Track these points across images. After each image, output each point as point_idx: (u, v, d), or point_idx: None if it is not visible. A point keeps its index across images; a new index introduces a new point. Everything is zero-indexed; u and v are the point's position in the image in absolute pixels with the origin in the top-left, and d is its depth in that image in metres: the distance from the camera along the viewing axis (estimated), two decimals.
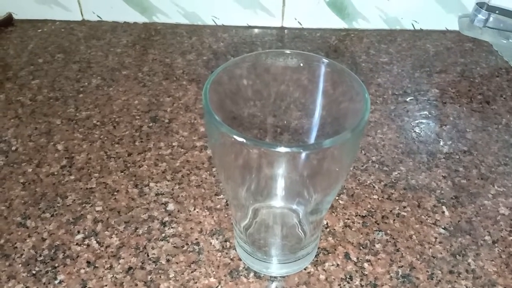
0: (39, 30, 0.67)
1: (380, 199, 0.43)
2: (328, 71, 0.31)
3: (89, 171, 0.45)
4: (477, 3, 0.64)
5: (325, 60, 0.31)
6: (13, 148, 0.47)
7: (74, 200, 0.42)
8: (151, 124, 0.51)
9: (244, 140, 0.25)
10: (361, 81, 0.28)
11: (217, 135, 0.28)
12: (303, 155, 0.26)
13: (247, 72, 0.31)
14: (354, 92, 0.28)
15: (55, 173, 0.45)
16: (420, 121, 0.52)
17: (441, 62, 0.63)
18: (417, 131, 0.51)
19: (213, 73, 0.29)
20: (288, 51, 0.31)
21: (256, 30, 0.68)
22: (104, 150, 0.47)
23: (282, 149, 0.25)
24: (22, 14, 0.68)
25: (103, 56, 0.62)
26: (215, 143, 0.29)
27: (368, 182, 0.44)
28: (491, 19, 0.62)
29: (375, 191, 0.44)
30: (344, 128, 0.30)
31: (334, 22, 0.68)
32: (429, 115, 0.53)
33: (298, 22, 0.69)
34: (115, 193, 0.43)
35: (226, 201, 0.42)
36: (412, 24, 0.69)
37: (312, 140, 0.33)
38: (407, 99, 0.56)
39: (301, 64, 0.31)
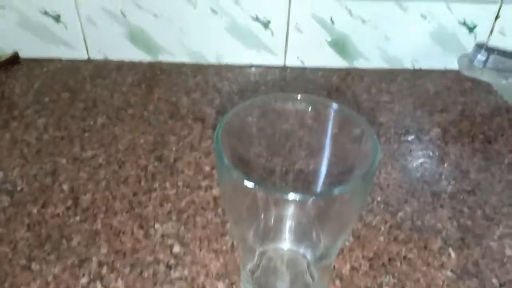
0: (45, 69, 0.68)
1: (386, 240, 0.43)
2: (337, 115, 0.31)
3: (94, 211, 0.45)
4: (476, 44, 0.66)
5: (335, 105, 0.31)
6: (19, 188, 0.47)
7: (79, 242, 0.42)
8: (156, 164, 0.51)
9: (255, 186, 0.26)
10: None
11: (227, 179, 0.28)
12: (313, 202, 0.26)
13: (256, 116, 0.32)
14: (364, 138, 0.29)
15: (60, 214, 0.44)
16: (424, 160, 0.53)
17: (441, 101, 0.64)
18: (420, 170, 0.51)
19: (224, 118, 0.30)
20: (297, 96, 0.32)
21: (259, 69, 0.69)
22: (109, 190, 0.47)
23: (292, 196, 0.25)
24: (29, 53, 0.69)
25: (108, 95, 0.62)
26: (226, 187, 0.30)
27: (374, 223, 0.44)
28: (490, 59, 0.63)
29: (381, 232, 0.44)
30: (352, 171, 0.31)
31: (336, 61, 0.70)
32: (432, 155, 0.54)
33: (301, 61, 0.70)
34: (121, 234, 0.43)
35: (232, 243, 0.42)
36: (412, 64, 0.71)
37: (320, 182, 0.34)
38: (410, 138, 0.56)
39: (310, 108, 0.32)
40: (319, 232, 0.32)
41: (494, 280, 0.40)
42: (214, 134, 0.29)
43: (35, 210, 0.45)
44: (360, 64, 0.70)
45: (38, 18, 0.66)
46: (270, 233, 0.34)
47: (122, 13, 0.65)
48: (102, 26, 0.67)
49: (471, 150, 0.54)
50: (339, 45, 0.68)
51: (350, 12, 0.65)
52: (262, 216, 0.32)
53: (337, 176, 0.33)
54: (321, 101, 0.32)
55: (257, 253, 0.34)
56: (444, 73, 0.71)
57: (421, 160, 0.53)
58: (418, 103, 0.63)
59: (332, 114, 0.31)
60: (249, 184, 0.25)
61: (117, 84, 0.65)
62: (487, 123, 0.59)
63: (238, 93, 0.63)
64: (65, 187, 0.48)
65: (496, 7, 0.65)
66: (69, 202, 0.46)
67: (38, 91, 0.63)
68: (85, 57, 0.70)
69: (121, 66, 0.69)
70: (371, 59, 0.70)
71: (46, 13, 0.66)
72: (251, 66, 0.70)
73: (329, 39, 0.68)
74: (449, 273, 0.40)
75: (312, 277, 0.35)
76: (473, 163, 0.53)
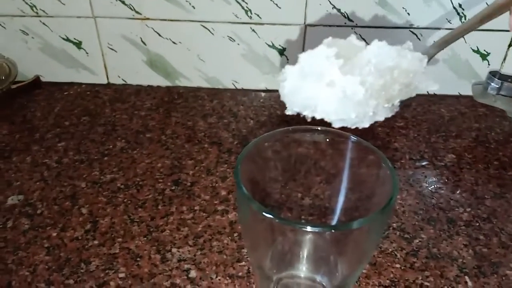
0: (66, 93, 0.70)
1: (402, 268, 0.43)
2: (355, 148, 0.32)
3: (112, 235, 0.46)
4: (490, 72, 0.66)
5: (353, 138, 0.32)
6: (38, 211, 0.48)
7: (98, 266, 0.42)
8: (173, 188, 0.52)
9: (274, 218, 0.26)
10: (378, 146, 0.30)
11: (247, 210, 0.29)
12: (332, 234, 0.27)
13: (275, 147, 0.33)
14: (382, 172, 0.29)
15: (79, 238, 0.45)
16: (439, 186, 0.53)
17: (456, 127, 0.64)
18: (436, 197, 0.51)
19: (244, 150, 0.31)
20: (316, 128, 0.33)
21: (274, 94, 0.70)
22: (127, 214, 0.48)
23: (310, 229, 0.26)
24: (50, 77, 0.71)
25: (127, 119, 0.64)
26: (244, 216, 0.30)
27: (390, 250, 0.45)
28: (504, 87, 0.64)
29: (397, 259, 0.44)
30: (370, 201, 0.31)
31: None
32: (447, 181, 0.54)
33: None
34: (138, 258, 0.43)
35: (248, 269, 0.42)
36: (427, 91, 0.71)
37: (337, 213, 0.34)
38: (424, 164, 0.56)
39: (328, 140, 0.33)
40: (336, 261, 0.32)
41: None
42: (235, 167, 0.29)
43: (54, 234, 0.46)
44: None
45: (60, 44, 0.68)
46: (286, 261, 0.34)
47: (142, 40, 0.67)
48: (122, 52, 0.69)
49: (486, 177, 0.54)
50: None
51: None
52: (280, 243, 0.32)
53: (355, 209, 0.33)
54: (339, 133, 0.32)
55: (274, 279, 0.35)
56: (458, 98, 0.71)
57: (436, 186, 0.53)
58: (433, 129, 0.63)
59: (350, 146, 0.32)
60: (268, 215, 0.26)
61: (136, 108, 0.66)
62: (501, 149, 0.59)
63: (253, 117, 0.64)
64: (84, 210, 0.49)
65: (509, 35, 0.66)
66: (88, 226, 0.47)
67: (59, 115, 0.64)
68: (105, 81, 0.72)
69: (139, 91, 0.70)
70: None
71: (68, 39, 0.68)
72: (266, 90, 0.71)
73: None
74: None
75: None
76: (488, 189, 0.52)
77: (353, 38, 0.32)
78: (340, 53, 0.29)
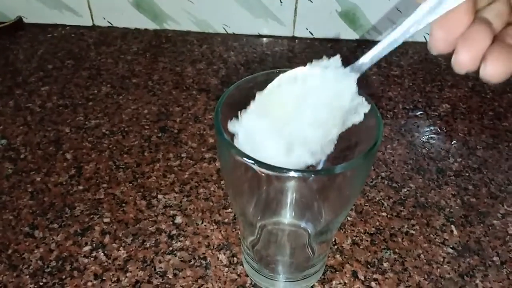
0: (49, 35, 0.67)
1: (389, 216, 0.43)
2: None
3: (97, 181, 0.45)
4: None
5: None
6: (22, 156, 0.47)
7: (82, 211, 0.42)
8: (160, 134, 0.50)
9: (255, 164, 0.25)
10: (372, 95, 0.28)
11: (227, 155, 0.28)
12: (315, 179, 0.26)
13: (258, 90, 0.31)
14: (368, 115, 0.28)
15: (64, 183, 0.45)
16: (431, 136, 0.52)
17: (452, 76, 0.62)
18: (427, 147, 0.50)
19: (225, 93, 0.29)
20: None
21: (266, 40, 0.68)
22: (112, 160, 0.47)
23: (292, 174, 0.25)
24: (33, 18, 0.68)
25: (113, 63, 0.62)
26: (225, 162, 0.29)
27: (377, 198, 0.44)
28: None
29: (384, 208, 0.43)
30: (356, 149, 0.30)
31: (346, 33, 0.68)
32: (440, 131, 0.53)
33: (310, 32, 0.68)
34: (123, 204, 0.43)
35: (234, 215, 0.42)
36: (424, 37, 0.69)
37: (323, 161, 0.33)
38: (418, 114, 0.55)
39: None
40: (320, 206, 0.32)
41: (495, 258, 0.39)
42: (215, 109, 0.28)
43: (38, 178, 0.45)
44: (370, 36, 0.69)
45: None
46: (270, 208, 0.34)
47: None
48: None
49: (480, 127, 0.54)
50: (350, 16, 0.67)
51: None
52: (263, 190, 0.32)
53: (340, 151, 0.33)
54: None
55: (257, 226, 0.34)
56: None
57: (428, 136, 0.52)
58: (429, 78, 0.62)
59: None
60: (249, 161, 0.25)
61: (122, 52, 0.64)
62: (497, 99, 0.58)
63: (244, 64, 0.63)
64: (69, 156, 0.48)
65: None
66: (73, 171, 0.46)
67: (42, 58, 0.62)
68: (89, 23, 0.69)
69: (126, 34, 0.68)
70: (382, 31, 0.68)
71: None
72: (258, 36, 0.69)
73: (339, 10, 0.66)
74: (450, 250, 0.40)
75: (313, 251, 0.35)
76: (481, 140, 0.52)
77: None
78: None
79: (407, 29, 0.24)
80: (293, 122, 0.25)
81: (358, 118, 0.26)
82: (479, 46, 0.21)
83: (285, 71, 0.31)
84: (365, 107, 0.26)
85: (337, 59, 0.26)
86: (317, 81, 0.26)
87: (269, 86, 0.27)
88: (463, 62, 0.22)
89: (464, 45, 0.22)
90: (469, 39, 0.22)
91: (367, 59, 0.25)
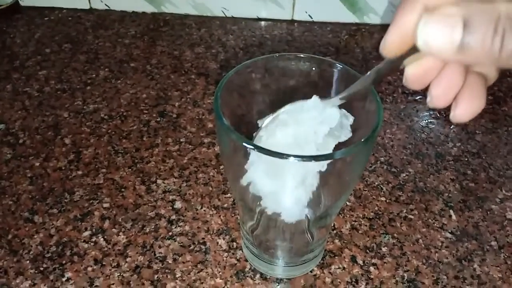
0: (46, 18, 0.66)
1: (387, 201, 0.43)
2: (341, 76, 0.30)
3: (96, 166, 0.45)
4: None
5: (339, 65, 0.30)
6: (21, 141, 0.47)
7: (82, 196, 0.42)
8: (159, 119, 0.50)
9: (254, 148, 0.25)
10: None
11: (227, 140, 0.28)
12: (314, 165, 0.26)
13: (258, 76, 0.31)
14: (368, 100, 0.28)
15: (63, 168, 0.45)
16: (430, 121, 0.52)
17: None
18: (426, 131, 0.50)
19: (224, 78, 0.29)
20: (301, 55, 0.31)
21: (265, 23, 0.67)
22: (111, 145, 0.47)
23: (292, 159, 0.25)
24: (29, 1, 0.68)
25: (111, 47, 0.61)
26: (225, 147, 0.29)
27: (376, 183, 0.44)
28: None
29: (382, 193, 0.43)
30: (356, 134, 0.30)
31: (345, 16, 0.68)
32: (439, 115, 0.53)
33: (309, 15, 0.68)
34: (123, 189, 0.43)
35: (233, 200, 0.42)
36: None
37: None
38: (417, 98, 0.55)
39: (314, 69, 0.31)
40: (320, 192, 0.31)
41: (493, 243, 0.40)
42: (214, 94, 0.28)
43: (37, 163, 0.45)
44: (370, 19, 0.68)
45: None
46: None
47: None
48: None
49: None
50: None
51: None
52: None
53: None
54: (324, 61, 0.31)
55: (256, 211, 0.34)
56: None
57: (427, 121, 0.52)
58: None
59: (336, 74, 0.31)
60: (248, 146, 0.25)
61: (120, 35, 0.63)
62: (497, 84, 0.58)
63: (243, 47, 0.62)
64: (67, 141, 0.47)
65: None
66: (72, 156, 0.46)
67: (39, 42, 0.62)
68: (87, 6, 0.68)
69: (123, 17, 0.67)
70: (381, 14, 0.68)
71: None
72: (257, 19, 0.68)
73: None
74: (448, 235, 0.40)
75: (312, 236, 0.35)
76: (480, 125, 0.52)
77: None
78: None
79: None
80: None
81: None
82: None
83: (283, 55, 0.31)
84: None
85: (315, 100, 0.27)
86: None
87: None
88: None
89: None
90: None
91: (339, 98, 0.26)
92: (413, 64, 0.21)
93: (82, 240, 0.38)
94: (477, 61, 0.19)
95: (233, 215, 0.41)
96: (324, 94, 0.31)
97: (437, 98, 0.22)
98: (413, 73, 0.22)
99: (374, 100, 0.28)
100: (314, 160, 0.25)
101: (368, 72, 0.24)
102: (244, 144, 0.25)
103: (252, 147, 0.25)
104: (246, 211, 0.34)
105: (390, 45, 0.21)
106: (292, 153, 0.25)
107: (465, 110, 0.21)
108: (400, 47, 0.21)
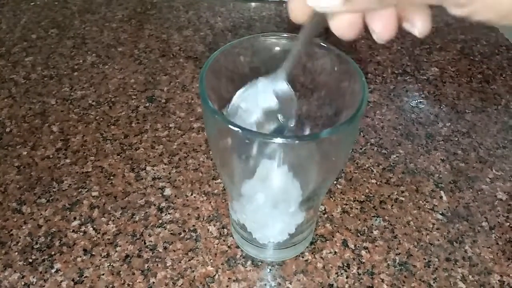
0: (32, 3, 0.65)
1: (378, 183, 0.43)
2: (326, 56, 0.30)
3: (84, 154, 0.44)
4: None
5: (323, 45, 0.30)
6: (7, 129, 0.47)
7: (70, 184, 0.42)
8: (147, 104, 0.50)
9: (240, 130, 0.25)
10: (360, 59, 0.28)
11: (212, 122, 0.27)
12: (301, 144, 0.26)
13: (244, 55, 0.31)
14: (352, 80, 0.28)
15: (51, 156, 0.44)
16: (419, 101, 0.52)
17: (441, 39, 0.61)
18: (416, 112, 0.50)
19: (209, 58, 0.29)
20: (286, 35, 0.30)
21: (254, 4, 0.66)
22: (100, 131, 0.47)
23: (278, 140, 0.25)
24: None
25: (98, 31, 0.60)
26: (211, 130, 0.29)
27: (367, 165, 0.44)
28: None
29: (373, 175, 0.43)
30: (342, 112, 0.30)
31: None
32: (429, 95, 0.52)
33: None
34: (111, 177, 0.42)
35: (223, 186, 0.42)
36: None
37: (309, 121, 0.33)
38: (407, 78, 0.55)
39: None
40: (307, 174, 0.31)
41: (484, 223, 0.40)
42: (199, 76, 0.28)
43: (24, 152, 0.44)
44: None
45: None
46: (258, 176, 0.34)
47: None
48: None
49: (468, 90, 0.53)
50: None
51: None
52: (249, 159, 0.31)
53: (328, 118, 0.32)
54: (313, 42, 0.30)
55: (245, 195, 0.34)
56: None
57: (417, 101, 0.52)
58: (418, 41, 0.61)
59: (321, 54, 0.30)
60: (234, 128, 0.25)
61: (107, 20, 0.62)
62: (486, 62, 0.57)
63: (231, 30, 0.61)
64: (55, 128, 0.47)
65: None
66: (59, 144, 0.45)
67: (25, 27, 0.60)
68: None
69: (110, 1, 0.66)
70: None
71: None
72: (245, 1, 0.67)
73: None
74: (439, 216, 0.40)
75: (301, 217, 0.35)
76: (470, 104, 0.51)
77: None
78: None
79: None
80: None
81: None
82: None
83: (269, 36, 0.31)
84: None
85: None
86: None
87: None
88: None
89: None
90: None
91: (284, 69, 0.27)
92: (334, 18, 0.21)
93: (71, 230, 0.38)
94: (367, 7, 0.20)
95: (223, 201, 0.41)
96: (309, 72, 0.31)
97: (381, 32, 0.21)
98: (339, 26, 0.22)
99: (359, 80, 0.27)
100: (299, 140, 0.25)
101: (296, 36, 0.25)
102: (230, 126, 0.25)
103: (238, 129, 0.25)
104: (236, 195, 0.34)
105: (294, 12, 0.22)
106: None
107: (423, 25, 0.21)
108: (304, 11, 0.21)
